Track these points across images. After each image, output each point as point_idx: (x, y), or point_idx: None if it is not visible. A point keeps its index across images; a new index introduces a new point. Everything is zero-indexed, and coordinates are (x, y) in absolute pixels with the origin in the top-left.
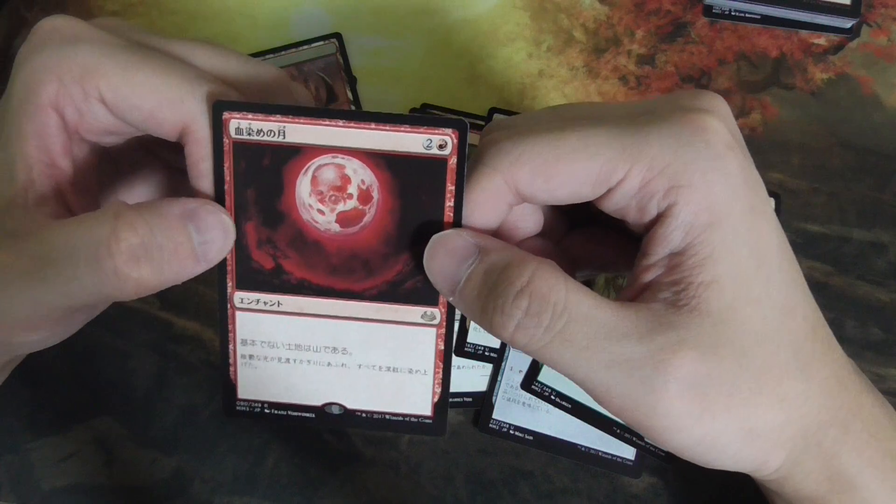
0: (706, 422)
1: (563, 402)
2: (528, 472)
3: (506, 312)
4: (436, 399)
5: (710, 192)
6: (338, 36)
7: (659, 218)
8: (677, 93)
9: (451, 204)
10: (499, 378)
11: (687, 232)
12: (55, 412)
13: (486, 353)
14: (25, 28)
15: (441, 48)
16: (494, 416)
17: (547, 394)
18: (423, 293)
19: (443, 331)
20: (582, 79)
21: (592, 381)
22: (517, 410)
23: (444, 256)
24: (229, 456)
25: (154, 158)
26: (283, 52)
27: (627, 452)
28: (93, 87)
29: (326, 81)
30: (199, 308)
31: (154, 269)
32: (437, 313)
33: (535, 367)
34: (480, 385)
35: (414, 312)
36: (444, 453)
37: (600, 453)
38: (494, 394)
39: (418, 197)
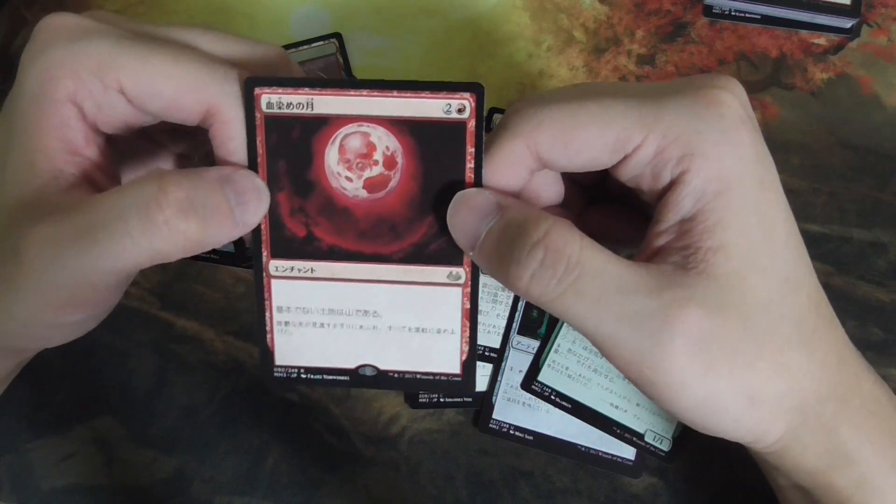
0: (709, 381)
1: (563, 402)
2: (528, 472)
3: (522, 263)
4: (464, 357)
5: (722, 161)
6: (338, 36)
7: (671, 185)
8: (694, 75)
9: (472, 166)
10: (499, 378)
11: (698, 199)
12: (55, 412)
13: (486, 353)
14: (26, 28)
15: (441, 48)
16: (494, 416)
17: (547, 394)
18: (447, 253)
19: (468, 290)
20: (582, 79)
21: (602, 334)
22: (517, 410)
23: (466, 213)
24: (229, 456)
25: (156, 146)
26: None
27: (627, 452)
28: (112, 80)
29: None
30: (199, 308)
31: (200, 224)
32: (462, 273)
33: (535, 367)
34: (480, 385)
35: (440, 273)
36: (444, 453)
37: (600, 453)
38: (494, 394)
39: (440, 160)
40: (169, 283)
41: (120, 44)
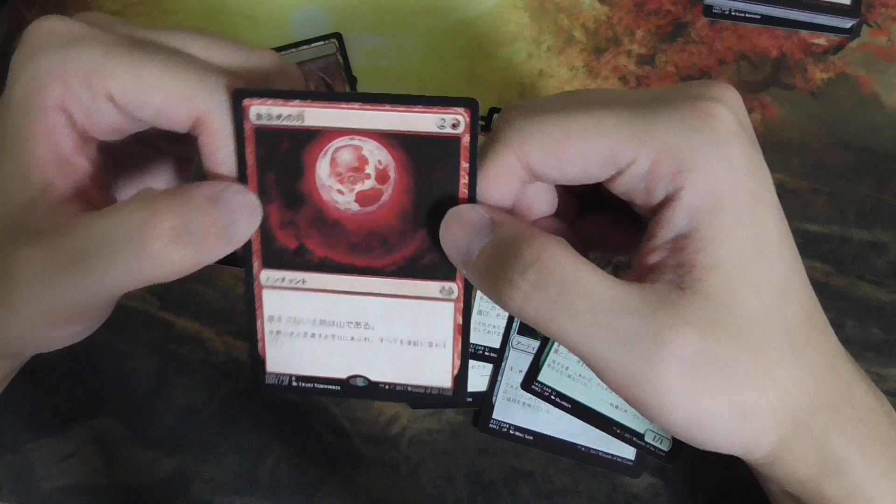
0: (701, 400)
1: (563, 402)
2: (528, 472)
3: (514, 284)
4: (455, 371)
5: (715, 177)
6: (338, 36)
7: (666, 201)
8: (690, 83)
9: (466, 181)
10: (499, 378)
11: (692, 216)
12: (55, 412)
13: (486, 353)
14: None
15: (441, 48)
16: (494, 416)
17: (547, 394)
18: (440, 268)
19: (461, 305)
20: (582, 79)
21: (595, 355)
22: (517, 410)
23: (458, 229)
24: (229, 456)
25: (155, 150)
26: (283, 52)
27: (627, 452)
28: (100, 87)
29: (326, 81)
30: (199, 308)
31: (193, 250)
32: (454, 288)
33: (535, 367)
34: (480, 385)
35: (432, 287)
36: (444, 453)
37: (600, 453)
38: (494, 394)
39: (433, 175)
40: (169, 283)
41: (110, 50)
